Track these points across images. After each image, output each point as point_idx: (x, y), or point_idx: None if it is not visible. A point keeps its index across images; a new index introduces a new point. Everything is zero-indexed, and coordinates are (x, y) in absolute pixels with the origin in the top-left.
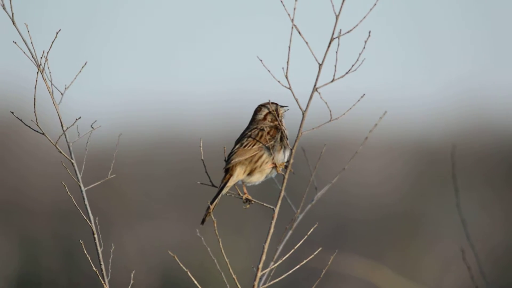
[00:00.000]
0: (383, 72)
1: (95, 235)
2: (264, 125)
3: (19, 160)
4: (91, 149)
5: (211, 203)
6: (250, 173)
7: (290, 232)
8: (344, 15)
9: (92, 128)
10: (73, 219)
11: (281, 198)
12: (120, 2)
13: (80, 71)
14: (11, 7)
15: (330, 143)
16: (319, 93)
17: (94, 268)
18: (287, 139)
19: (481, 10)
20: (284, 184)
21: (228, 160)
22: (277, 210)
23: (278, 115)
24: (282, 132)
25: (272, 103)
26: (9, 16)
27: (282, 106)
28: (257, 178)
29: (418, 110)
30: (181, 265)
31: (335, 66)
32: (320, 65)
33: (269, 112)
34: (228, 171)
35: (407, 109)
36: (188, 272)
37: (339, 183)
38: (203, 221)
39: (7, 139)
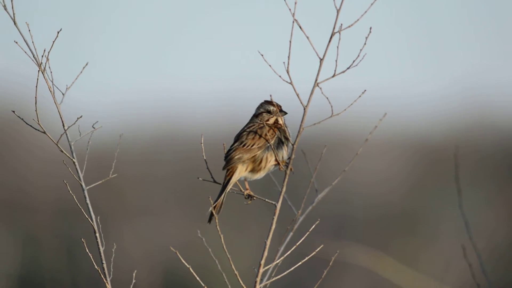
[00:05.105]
0: (385, 69)
1: (97, 234)
2: (262, 123)
3: (21, 159)
4: (92, 147)
5: (215, 201)
6: (252, 170)
7: (291, 233)
8: (345, 10)
9: (94, 128)
10: (75, 218)
11: (282, 194)
12: (121, 1)
13: (81, 72)
14: (12, 7)
15: (332, 141)
16: (320, 88)
17: (96, 267)
18: (290, 136)
19: (486, 7)
20: (286, 180)
21: (227, 158)
22: (279, 205)
23: (276, 119)
24: (282, 130)
25: (277, 104)
26: (10, 16)
27: (282, 111)
28: (260, 175)
29: (421, 107)
30: (183, 260)
31: (336, 60)
32: (321, 59)
33: (263, 112)
34: (229, 169)
35: (410, 106)
36: (190, 268)
37: (340, 182)
38: (209, 220)
39: (9, 138)
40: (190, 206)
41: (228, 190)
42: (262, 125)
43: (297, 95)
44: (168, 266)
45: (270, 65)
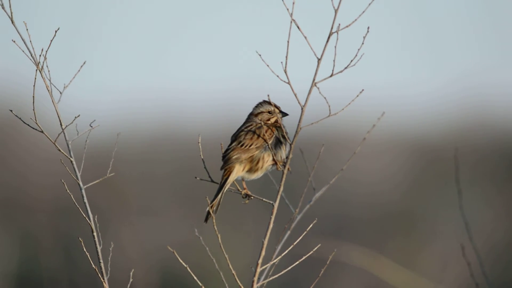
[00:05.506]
0: (383, 69)
1: (94, 233)
2: (261, 122)
3: (19, 158)
4: (90, 146)
5: (212, 200)
6: (249, 170)
7: (289, 232)
8: (343, 10)
9: (91, 127)
10: (73, 217)
11: (280, 193)
12: (120, 0)
13: (79, 71)
14: (10, 6)
15: (329, 140)
16: (318, 88)
17: (93, 266)
18: (287, 135)
19: (485, 7)
20: (283, 179)
21: (225, 158)
22: (276, 205)
23: (277, 120)
24: (280, 129)
25: (276, 106)
26: (8, 15)
27: (281, 112)
28: (257, 175)
29: (419, 107)
30: (180, 260)
31: (334, 60)
32: (319, 59)
33: (264, 112)
34: (226, 169)
35: (408, 106)
36: (188, 268)
37: (338, 182)
38: (206, 219)
39: (6, 137)
40: (188, 205)
41: (225, 190)
42: (260, 125)
43: (295, 94)
44: (166, 265)
45: (268, 65)
